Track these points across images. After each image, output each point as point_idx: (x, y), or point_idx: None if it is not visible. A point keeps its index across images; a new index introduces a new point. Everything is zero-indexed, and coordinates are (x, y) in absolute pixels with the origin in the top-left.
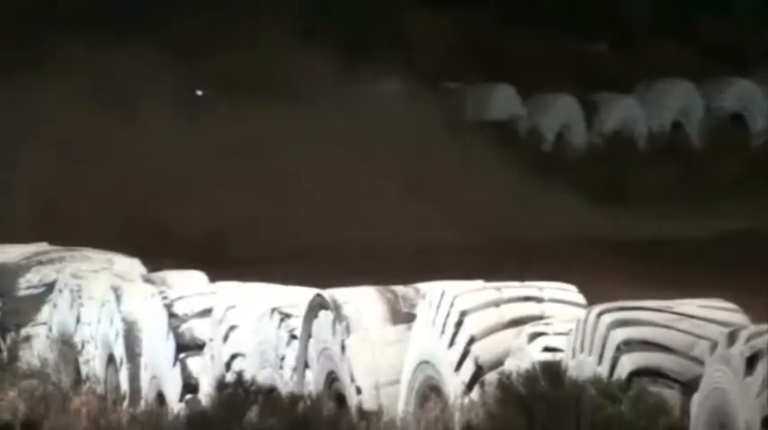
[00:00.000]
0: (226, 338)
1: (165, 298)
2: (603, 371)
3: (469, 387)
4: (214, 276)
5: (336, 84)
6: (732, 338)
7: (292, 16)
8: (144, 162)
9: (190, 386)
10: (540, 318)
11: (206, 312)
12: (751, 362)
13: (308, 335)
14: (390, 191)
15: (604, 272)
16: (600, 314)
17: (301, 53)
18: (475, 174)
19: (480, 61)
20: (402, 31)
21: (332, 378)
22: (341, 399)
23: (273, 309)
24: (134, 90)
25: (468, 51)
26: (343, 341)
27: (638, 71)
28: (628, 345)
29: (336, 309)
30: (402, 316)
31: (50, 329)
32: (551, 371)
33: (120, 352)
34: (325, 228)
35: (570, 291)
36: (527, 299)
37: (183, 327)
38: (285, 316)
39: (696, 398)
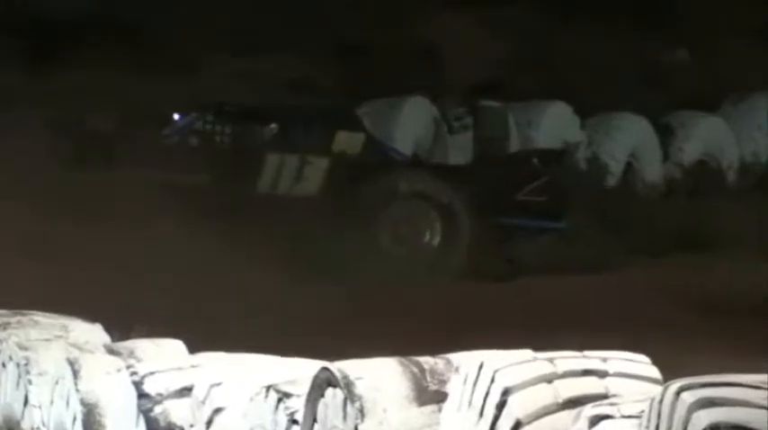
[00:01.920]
0: (210, 423)
1: (133, 373)
2: None
3: None
4: (194, 346)
5: None
6: None
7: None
8: None
9: None
10: (604, 396)
11: (185, 391)
12: None
13: (312, 419)
14: None
15: (685, 338)
16: (679, 391)
17: None
18: None
19: (528, 73)
20: (428, 35)
21: None
22: None
23: (269, 387)
24: None
25: (513, 60)
26: (356, 426)
27: (725, 84)
28: None
29: (347, 386)
30: (430, 394)
31: None
32: None
33: None
34: None
35: (641, 363)
36: (587, 373)
37: (157, 410)
38: (284, 395)
39: None
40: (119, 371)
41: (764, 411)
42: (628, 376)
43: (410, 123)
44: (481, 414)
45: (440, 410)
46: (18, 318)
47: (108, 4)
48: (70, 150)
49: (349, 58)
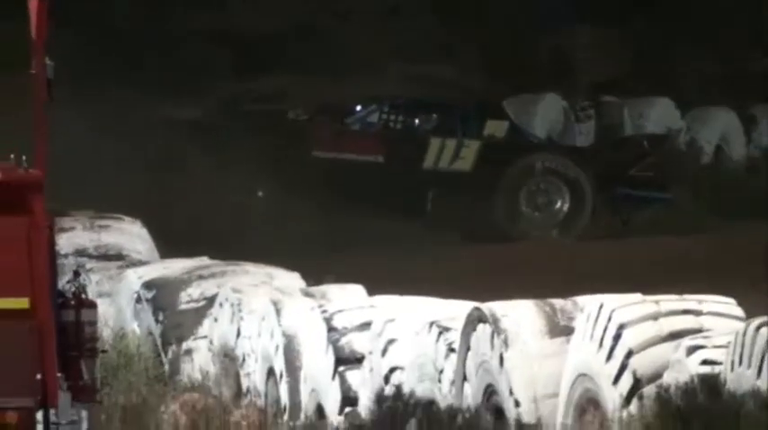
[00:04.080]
0: (384, 352)
1: (324, 311)
2: (763, 384)
3: (628, 400)
4: (373, 290)
5: None
6: None
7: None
8: None
9: (349, 399)
10: (699, 331)
11: (365, 326)
12: None
13: (466, 348)
14: None
15: (764, 285)
16: (759, 327)
17: None
18: None
19: (641, 75)
20: (562, 46)
21: (490, 391)
22: (499, 413)
23: (432, 323)
24: None
25: (628, 64)
26: (501, 354)
27: None
28: None
29: (495, 322)
30: (560, 329)
31: (211, 343)
32: (710, 385)
33: (280, 365)
34: None
35: (729, 304)
36: (685, 312)
37: (343, 341)
38: (443, 329)
39: None
40: (312, 309)
41: None
42: (718, 315)
43: (545, 114)
44: (601, 344)
45: (568, 342)
46: (232, 267)
47: (305, 19)
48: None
49: (498, 62)
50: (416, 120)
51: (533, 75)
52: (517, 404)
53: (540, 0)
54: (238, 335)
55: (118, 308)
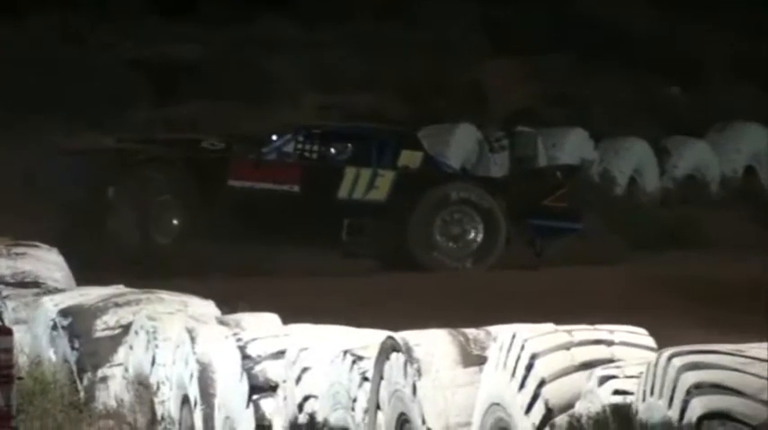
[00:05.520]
0: (299, 380)
1: (238, 340)
2: (674, 414)
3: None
4: (287, 318)
5: None
6: None
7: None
8: None
9: (263, 427)
10: (611, 361)
11: (279, 354)
12: None
13: (379, 377)
14: None
15: (675, 315)
16: (671, 357)
17: None
18: None
19: (554, 105)
20: (477, 77)
21: (403, 419)
22: None
23: (346, 352)
24: None
25: (542, 95)
26: (414, 383)
27: (711, 114)
28: (698, 389)
29: (408, 351)
30: (473, 358)
31: (126, 370)
32: (621, 414)
33: (194, 393)
34: None
35: (641, 335)
36: (597, 342)
37: (257, 369)
38: (357, 358)
39: None
40: (227, 337)
41: (737, 373)
42: (630, 345)
43: (459, 144)
44: (513, 374)
45: (481, 371)
46: (147, 295)
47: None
48: (189, 164)
49: (411, 93)
50: (332, 150)
51: (448, 104)
52: None
53: (455, 30)
54: (153, 362)
55: (34, 335)
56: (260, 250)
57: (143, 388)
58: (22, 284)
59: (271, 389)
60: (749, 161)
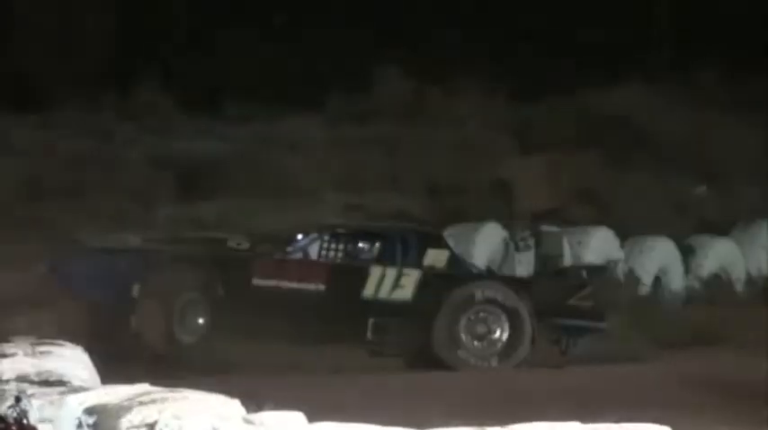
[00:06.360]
0: None
1: None
2: None
3: None
4: (313, 417)
5: None
6: None
7: None
8: None
9: None
10: None
11: None
12: None
13: None
14: None
15: (701, 414)
16: None
17: None
18: None
19: (580, 204)
20: (502, 175)
21: None
22: None
23: None
24: None
25: (568, 194)
26: None
27: (735, 213)
28: None
29: None
30: None
31: None
32: None
33: None
34: None
35: None
36: None
37: None
38: None
39: None
40: None
41: None
42: None
43: (485, 243)
44: None
45: None
46: (172, 394)
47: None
48: (214, 263)
49: (436, 191)
50: (357, 249)
51: (474, 203)
52: None
53: (480, 127)
54: None
55: None
56: (285, 349)
57: None
58: (47, 383)
59: None
60: None
